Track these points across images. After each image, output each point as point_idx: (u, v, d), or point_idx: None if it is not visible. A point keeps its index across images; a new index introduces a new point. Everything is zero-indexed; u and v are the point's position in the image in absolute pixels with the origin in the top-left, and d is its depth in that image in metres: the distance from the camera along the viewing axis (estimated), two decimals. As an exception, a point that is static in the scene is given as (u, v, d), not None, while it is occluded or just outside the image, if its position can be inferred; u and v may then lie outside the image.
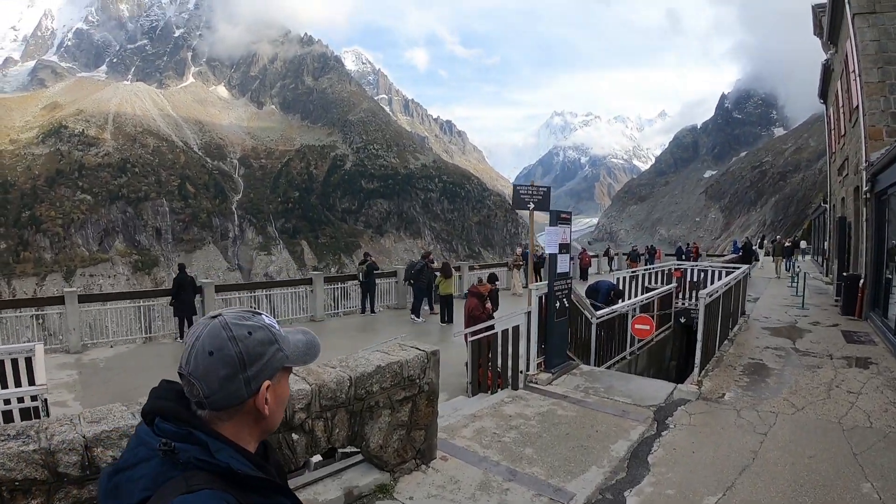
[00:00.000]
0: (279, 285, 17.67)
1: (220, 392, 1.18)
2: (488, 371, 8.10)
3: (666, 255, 38.96)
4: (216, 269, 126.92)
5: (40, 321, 12.99)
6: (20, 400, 5.62)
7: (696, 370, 7.99)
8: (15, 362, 6.52)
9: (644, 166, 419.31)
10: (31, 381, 6.23)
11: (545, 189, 9.02)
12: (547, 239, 8.21)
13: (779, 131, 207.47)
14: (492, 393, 7.93)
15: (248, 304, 15.58)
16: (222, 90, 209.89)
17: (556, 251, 8.26)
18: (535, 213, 9.14)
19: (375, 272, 17.71)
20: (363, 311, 17.37)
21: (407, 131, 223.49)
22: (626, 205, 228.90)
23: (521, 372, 8.16)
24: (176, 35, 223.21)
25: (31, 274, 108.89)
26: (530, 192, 8.98)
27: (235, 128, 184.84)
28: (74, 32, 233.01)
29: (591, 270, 29.32)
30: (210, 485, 1.10)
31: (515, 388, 7.92)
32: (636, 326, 9.42)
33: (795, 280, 19.30)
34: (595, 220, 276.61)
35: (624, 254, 35.28)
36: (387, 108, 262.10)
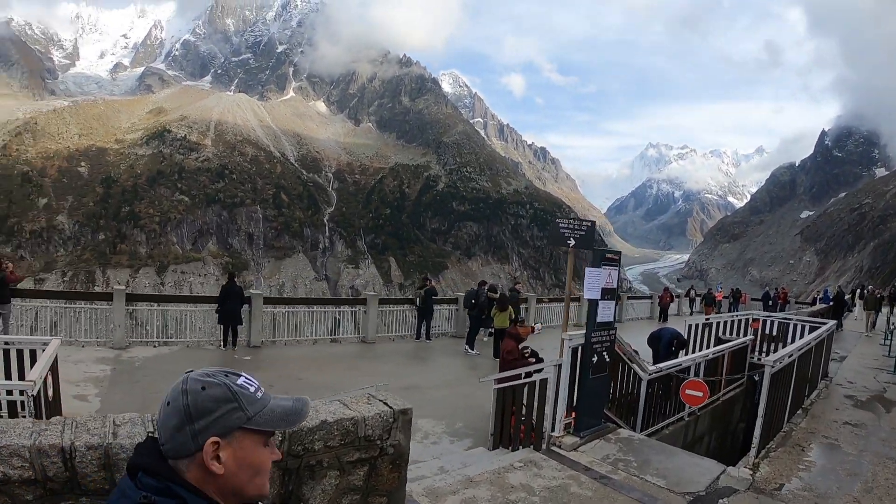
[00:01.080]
0: (329, 303, 17.33)
1: (171, 442, 1.23)
2: (512, 422, 7.24)
3: (752, 299, 36.01)
4: (304, 278, 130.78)
5: (130, 311, 13.25)
6: (9, 392, 5.34)
7: (753, 451, 6.73)
8: (32, 353, 6.40)
9: (739, 203, 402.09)
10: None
11: (588, 224, 7.93)
12: (587, 282, 7.15)
13: (880, 171, 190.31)
14: (513, 449, 7.05)
15: (290, 318, 15.33)
16: (321, 105, 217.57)
17: (598, 297, 7.14)
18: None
19: (434, 298, 17.23)
20: (418, 336, 16.96)
21: (500, 156, 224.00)
22: (719, 243, 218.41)
23: (546, 432, 7.19)
24: (279, 51, 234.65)
25: (126, 266, 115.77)
26: (572, 227, 7.88)
27: (332, 143, 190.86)
28: (182, 43, 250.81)
29: (670, 311, 27.79)
30: None
31: (538, 448, 6.98)
32: (686, 392, 8.19)
33: (889, 338, 17.15)
34: (686, 257, 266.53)
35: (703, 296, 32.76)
36: (482, 132, 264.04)
